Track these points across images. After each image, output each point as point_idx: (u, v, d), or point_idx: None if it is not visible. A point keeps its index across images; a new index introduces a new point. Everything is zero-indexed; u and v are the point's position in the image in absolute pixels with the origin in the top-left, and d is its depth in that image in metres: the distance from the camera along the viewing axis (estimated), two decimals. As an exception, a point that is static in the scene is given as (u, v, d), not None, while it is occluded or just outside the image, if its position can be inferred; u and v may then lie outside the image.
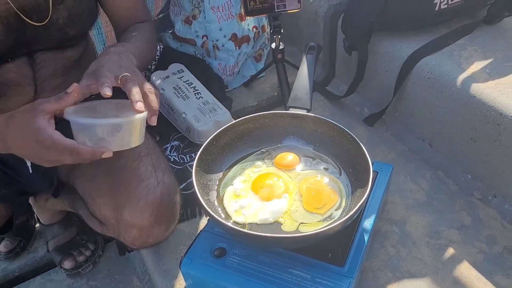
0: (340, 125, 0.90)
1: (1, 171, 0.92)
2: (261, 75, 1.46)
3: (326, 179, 0.87)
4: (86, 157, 0.67)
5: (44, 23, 0.80)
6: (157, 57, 1.34)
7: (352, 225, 0.84)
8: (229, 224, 0.76)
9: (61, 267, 1.17)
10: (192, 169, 1.10)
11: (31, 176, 0.94)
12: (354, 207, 0.75)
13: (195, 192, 0.79)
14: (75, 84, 0.69)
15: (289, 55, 1.29)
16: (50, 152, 0.66)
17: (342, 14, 1.25)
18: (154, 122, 0.73)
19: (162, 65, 1.32)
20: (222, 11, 1.29)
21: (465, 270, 0.87)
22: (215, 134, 0.90)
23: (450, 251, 0.91)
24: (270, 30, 1.26)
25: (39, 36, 0.82)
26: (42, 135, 0.65)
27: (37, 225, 1.29)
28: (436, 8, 1.11)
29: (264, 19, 1.45)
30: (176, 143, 1.19)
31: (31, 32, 0.80)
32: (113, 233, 0.89)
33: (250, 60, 1.47)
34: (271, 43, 1.27)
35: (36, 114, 0.66)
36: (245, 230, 0.73)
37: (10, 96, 0.87)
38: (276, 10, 1.18)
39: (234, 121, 0.93)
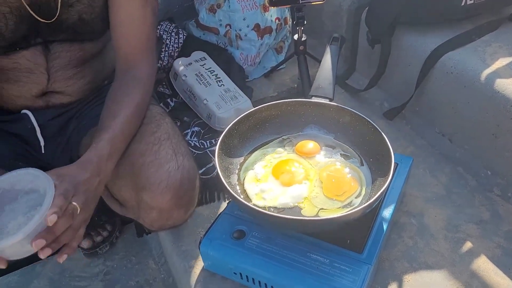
0: (362, 115, 0.91)
1: (20, 146, 0.94)
2: (282, 66, 1.47)
3: (346, 168, 0.88)
4: None
5: (51, 21, 0.82)
6: (180, 45, 1.36)
7: (371, 214, 0.85)
8: (251, 205, 0.77)
9: (78, 247, 1.19)
10: (212, 154, 1.13)
11: (48, 153, 0.96)
12: (375, 195, 0.76)
13: (218, 174, 0.80)
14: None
15: (310, 47, 1.29)
16: None
17: (367, 7, 1.25)
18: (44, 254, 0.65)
19: (184, 52, 1.33)
20: (247, 1, 1.30)
21: (483, 264, 0.87)
22: (238, 119, 0.91)
23: (468, 245, 0.91)
24: (293, 22, 1.27)
25: (52, 29, 0.84)
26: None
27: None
28: (462, 4, 1.10)
29: (286, 11, 1.46)
30: (196, 128, 1.21)
31: (44, 24, 0.82)
32: (133, 215, 0.91)
33: (271, 52, 1.48)
34: (293, 35, 1.28)
35: None
36: (268, 212, 0.74)
37: (24, 83, 0.89)
38: (301, 2, 1.19)
39: (257, 107, 0.94)
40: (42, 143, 0.94)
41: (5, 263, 0.63)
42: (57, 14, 0.81)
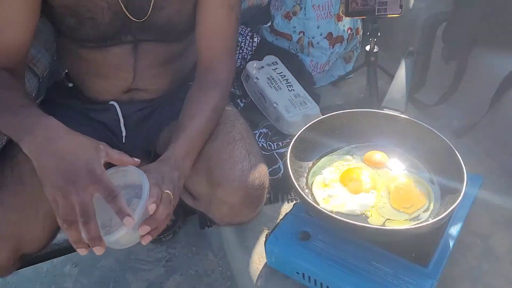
0: (434, 130, 0.91)
1: (104, 133, 1.01)
2: (349, 76, 1.48)
3: (415, 181, 0.89)
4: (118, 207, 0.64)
5: (142, 20, 0.87)
6: (253, 48, 1.40)
7: (438, 230, 0.85)
8: (322, 208, 0.80)
9: (144, 232, 1.26)
10: (278, 156, 1.17)
11: (128, 144, 1.03)
12: (444, 211, 0.77)
13: (290, 175, 0.84)
14: (138, 161, 0.72)
15: (379, 59, 1.30)
16: (84, 181, 0.63)
17: (445, 23, 1.24)
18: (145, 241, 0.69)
19: (257, 56, 1.38)
20: (322, 9, 1.33)
21: (551, 292, 0.85)
22: (310, 124, 0.94)
23: (536, 271, 0.89)
24: (367, 33, 1.28)
25: (143, 28, 0.89)
26: (96, 165, 0.65)
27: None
28: (546, 25, 1.08)
29: (359, 22, 1.48)
30: (264, 130, 1.25)
31: (135, 23, 0.88)
32: (204, 208, 0.95)
33: (340, 61, 1.50)
34: (365, 46, 1.29)
35: (99, 149, 0.67)
36: (338, 217, 0.77)
37: (112, 79, 0.96)
38: (377, 14, 1.20)
39: (329, 114, 0.97)
40: (123, 134, 1.01)
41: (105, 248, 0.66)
42: (148, 15, 0.87)
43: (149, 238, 0.69)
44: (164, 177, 0.75)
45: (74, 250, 1.20)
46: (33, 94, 0.93)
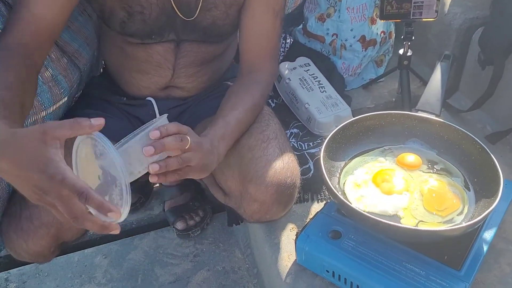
0: (470, 134, 0.90)
1: (139, 127, 1.04)
2: (381, 80, 1.48)
3: (448, 184, 0.88)
4: (95, 204, 0.57)
5: (190, 20, 0.90)
6: (286, 49, 1.42)
7: (472, 234, 0.84)
8: (356, 207, 0.80)
9: (173, 227, 1.28)
10: (309, 156, 1.17)
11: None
12: (479, 215, 0.76)
13: (323, 175, 0.84)
14: (102, 120, 0.62)
15: (412, 63, 1.29)
16: (51, 189, 0.56)
17: (482, 27, 1.23)
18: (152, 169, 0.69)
19: (289, 57, 1.39)
20: (356, 12, 1.33)
21: None
22: (343, 125, 0.95)
23: None
24: (400, 37, 1.28)
25: (187, 27, 0.92)
26: (52, 168, 0.56)
27: (156, 185, 1.42)
28: None
29: (392, 25, 1.47)
30: (295, 130, 1.26)
31: (180, 22, 0.90)
32: (234, 204, 0.96)
33: (371, 64, 1.49)
34: (398, 49, 1.29)
35: (47, 139, 0.57)
36: (373, 216, 0.77)
37: (152, 75, 0.98)
38: (412, 17, 1.20)
39: (362, 116, 0.97)
40: None
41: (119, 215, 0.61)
42: (196, 15, 0.89)
43: (156, 167, 0.68)
44: (195, 139, 0.75)
45: (105, 242, 1.24)
46: (75, 86, 0.96)
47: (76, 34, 0.98)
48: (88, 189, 0.57)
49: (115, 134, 0.96)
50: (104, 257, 1.27)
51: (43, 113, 0.89)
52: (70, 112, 0.99)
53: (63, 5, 0.81)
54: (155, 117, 1.01)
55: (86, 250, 1.29)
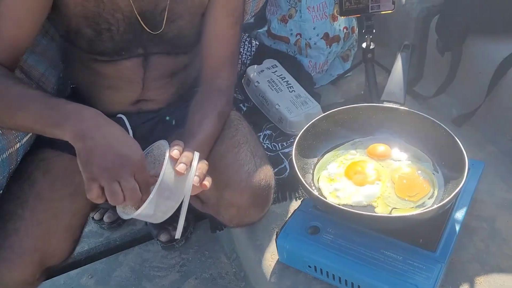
0: (434, 119, 0.93)
1: None
2: (348, 74, 1.51)
3: (418, 170, 0.91)
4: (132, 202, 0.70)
5: (156, 33, 0.91)
6: (252, 53, 1.43)
7: (444, 215, 0.87)
8: (330, 202, 0.82)
9: (157, 240, 1.28)
10: (283, 156, 1.19)
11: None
12: (448, 196, 0.79)
13: (296, 173, 0.86)
14: None
15: (376, 56, 1.32)
16: (128, 168, 0.68)
17: (437, 15, 1.27)
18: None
19: (256, 60, 1.41)
20: (317, 11, 1.36)
21: (558, 270, 0.87)
22: (312, 122, 0.97)
23: (542, 250, 0.91)
24: (362, 31, 1.31)
25: (154, 40, 0.92)
26: (139, 153, 0.71)
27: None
28: (537, 11, 1.11)
29: (354, 21, 1.51)
30: (268, 132, 1.27)
31: (147, 35, 0.91)
32: (212, 212, 0.97)
33: (338, 60, 1.52)
34: (361, 43, 1.32)
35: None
36: (346, 208, 0.79)
37: (122, 91, 0.99)
38: (370, 11, 1.23)
39: (330, 111, 0.99)
40: (130, 133, 1.04)
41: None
42: (163, 27, 0.90)
43: (183, 167, 0.73)
44: None
45: (90, 262, 1.24)
46: None
47: (40, 57, 0.98)
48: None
49: None
50: (90, 277, 1.26)
51: (18, 145, 0.89)
52: (42, 136, 0.99)
53: (35, 26, 0.82)
54: (128, 134, 1.02)
55: (71, 272, 1.28)
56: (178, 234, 0.75)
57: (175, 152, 0.73)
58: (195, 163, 0.75)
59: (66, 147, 0.93)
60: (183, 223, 0.75)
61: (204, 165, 0.78)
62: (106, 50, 0.90)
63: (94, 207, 0.96)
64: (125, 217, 0.73)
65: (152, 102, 1.03)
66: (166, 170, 0.71)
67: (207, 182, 0.77)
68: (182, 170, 0.72)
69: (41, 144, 0.95)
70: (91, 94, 1.03)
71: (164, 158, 0.72)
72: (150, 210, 0.71)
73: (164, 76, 1.00)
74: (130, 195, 0.68)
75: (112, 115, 1.03)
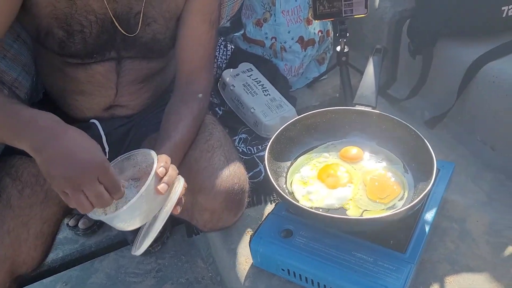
0: (404, 122, 0.95)
1: None
2: (324, 77, 1.52)
3: (389, 172, 0.92)
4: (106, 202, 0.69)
5: (131, 36, 0.90)
6: (228, 57, 1.44)
7: (414, 216, 0.88)
8: (301, 205, 0.83)
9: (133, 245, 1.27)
10: (259, 160, 1.19)
11: (112, 159, 1.04)
12: (417, 198, 0.80)
13: (268, 176, 0.86)
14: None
15: (351, 59, 1.34)
16: (91, 174, 0.66)
17: (409, 19, 1.29)
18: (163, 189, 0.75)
19: (232, 64, 1.41)
20: (292, 14, 1.37)
21: (525, 268, 0.89)
22: (286, 126, 0.97)
23: (510, 249, 0.93)
24: (336, 34, 1.32)
25: (127, 44, 0.92)
26: (101, 156, 0.69)
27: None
28: (504, 15, 1.13)
29: (329, 24, 1.52)
30: (244, 135, 1.28)
31: (120, 39, 0.90)
32: (187, 216, 0.97)
33: (314, 63, 1.54)
34: (335, 47, 1.33)
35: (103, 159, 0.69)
36: (317, 211, 0.79)
37: (95, 96, 0.98)
38: (344, 15, 1.24)
39: (303, 115, 1.00)
40: (107, 150, 1.03)
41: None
42: (138, 30, 0.90)
43: (165, 187, 0.73)
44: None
45: (64, 269, 1.22)
46: None
47: (13, 62, 0.96)
48: (121, 186, 0.69)
49: None
50: (64, 284, 1.25)
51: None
52: None
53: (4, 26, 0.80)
54: (101, 139, 1.01)
55: (45, 280, 1.26)
56: (140, 251, 0.75)
57: (161, 169, 0.73)
58: (179, 189, 0.76)
59: None
60: (150, 242, 0.74)
61: (183, 189, 0.79)
62: (77, 52, 0.89)
63: (67, 213, 0.94)
64: (94, 217, 0.73)
65: (126, 108, 1.03)
66: (148, 186, 0.70)
67: (179, 207, 0.78)
68: (163, 190, 0.73)
69: (10, 151, 0.94)
70: (63, 99, 1.02)
71: (149, 168, 0.73)
72: (123, 218, 0.71)
73: (137, 81, 0.99)
74: (96, 201, 0.67)
75: (84, 121, 1.02)
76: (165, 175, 0.74)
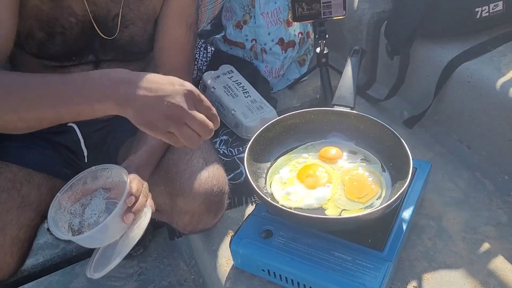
0: (382, 122, 0.96)
1: (67, 155, 1.02)
2: (304, 78, 1.53)
3: (367, 172, 0.93)
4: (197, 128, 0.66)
5: (110, 38, 0.90)
6: (208, 59, 1.44)
7: (392, 215, 0.90)
8: (280, 205, 0.83)
9: (114, 248, 1.26)
10: (240, 161, 1.20)
11: (90, 162, 1.04)
12: (394, 196, 0.81)
13: (247, 177, 0.87)
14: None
15: (331, 60, 1.35)
16: (187, 104, 0.64)
17: (386, 21, 1.31)
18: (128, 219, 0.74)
19: (212, 66, 1.41)
20: (271, 16, 1.38)
21: (500, 264, 0.91)
22: (265, 127, 0.98)
23: (486, 246, 0.95)
24: (315, 36, 1.34)
25: (105, 46, 0.92)
26: (186, 85, 0.66)
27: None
28: (477, 16, 1.15)
29: (309, 26, 1.53)
30: (225, 137, 1.28)
31: (99, 41, 0.90)
32: (167, 219, 0.97)
33: (294, 64, 1.55)
34: (315, 48, 1.35)
35: None
36: (294, 211, 0.80)
37: None
38: (322, 17, 1.25)
39: (282, 116, 1.00)
40: (85, 153, 1.02)
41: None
42: (116, 32, 0.89)
43: (131, 216, 0.73)
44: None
45: (44, 274, 1.21)
46: None
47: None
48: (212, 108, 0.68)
49: (42, 164, 0.94)
50: (45, 290, 1.23)
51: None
52: None
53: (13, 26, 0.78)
54: (79, 143, 1.01)
55: (25, 286, 1.24)
56: (99, 275, 0.75)
57: (130, 199, 0.73)
58: (145, 222, 0.76)
59: (12, 158, 0.92)
60: (113, 267, 0.75)
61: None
62: (56, 54, 0.89)
63: (44, 218, 0.93)
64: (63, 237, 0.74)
65: None
66: (116, 213, 0.71)
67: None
68: (128, 221, 0.73)
69: None
70: None
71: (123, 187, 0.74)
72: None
73: None
74: (201, 129, 0.65)
75: (62, 124, 1.01)
76: (134, 204, 0.73)
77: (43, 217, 0.92)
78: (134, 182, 0.76)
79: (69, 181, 0.78)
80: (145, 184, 0.81)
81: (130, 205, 0.73)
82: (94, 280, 1.23)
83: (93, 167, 0.80)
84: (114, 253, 0.75)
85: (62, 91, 0.65)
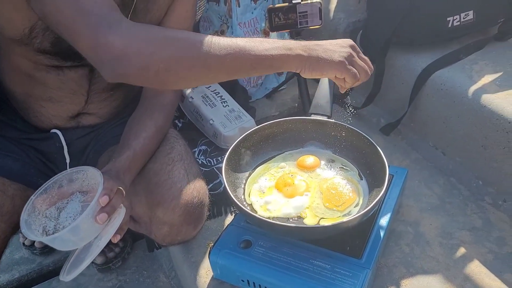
0: (358, 130, 0.97)
1: (42, 162, 1.01)
2: (283, 87, 1.54)
3: (345, 180, 0.94)
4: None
5: None
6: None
7: (369, 222, 0.91)
8: (258, 216, 0.83)
9: (92, 262, 1.24)
10: (218, 171, 1.19)
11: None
12: (371, 204, 0.82)
13: (225, 187, 0.87)
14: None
15: (309, 68, 1.37)
16: (355, 49, 0.81)
17: (361, 30, 1.33)
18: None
19: (190, 76, 1.41)
20: (248, 26, 1.38)
21: (476, 268, 0.92)
22: (243, 137, 0.98)
23: (462, 250, 0.96)
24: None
25: None
26: (348, 40, 0.81)
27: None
28: (449, 25, 1.18)
29: (286, 35, 1.54)
30: (203, 147, 1.27)
31: None
32: (145, 230, 0.96)
33: (273, 73, 1.55)
34: (293, 57, 1.36)
35: None
36: (272, 221, 0.80)
37: (65, 103, 0.96)
38: (299, 26, 1.26)
39: (260, 126, 1.01)
40: (68, 161, 1.00)
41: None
42: None
43: (105, 216, 0.73)
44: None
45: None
46: None
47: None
48: None
49: (17, 173, 0.92)
50: (21, 305, 1.20)
51: None
52: None
53: None
54: (63, 150, 0.99)
55: (1, 302, 1.21)
56: (70, 277, 0.75)
57: (104, 198, 0.73)
58: (117, 222, 0.76)
59: None
60: (81, 271, 0.75)
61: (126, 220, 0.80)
62: (67, 50, 0.86)
63: (15, 230, 0.92)
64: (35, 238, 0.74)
65: (93, 116, 1.01)
66: (87, 214, 0.71)
67: (119, 236, 0.79)
68: (102, 221, 0.72)
69: None
70: (27, 106, 0.98)
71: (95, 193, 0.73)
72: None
73: (108, 88, 0.98)
74: (367, 65, 0.82)
75: (45, 131, 0.99)
76: (107, 204, 0.73)
77: (15, 228, 0.90)
78: (109, 182, 0.75)
79: (44, 184, 0.77)
80: (123, 186, 0.80)
81: (103, 205, 0.72)
82: (71, 294, 1.21)
83: (68, 170, 0.79)
84: (87, 254, 0.74)
85: (264, 43, 0.76)
